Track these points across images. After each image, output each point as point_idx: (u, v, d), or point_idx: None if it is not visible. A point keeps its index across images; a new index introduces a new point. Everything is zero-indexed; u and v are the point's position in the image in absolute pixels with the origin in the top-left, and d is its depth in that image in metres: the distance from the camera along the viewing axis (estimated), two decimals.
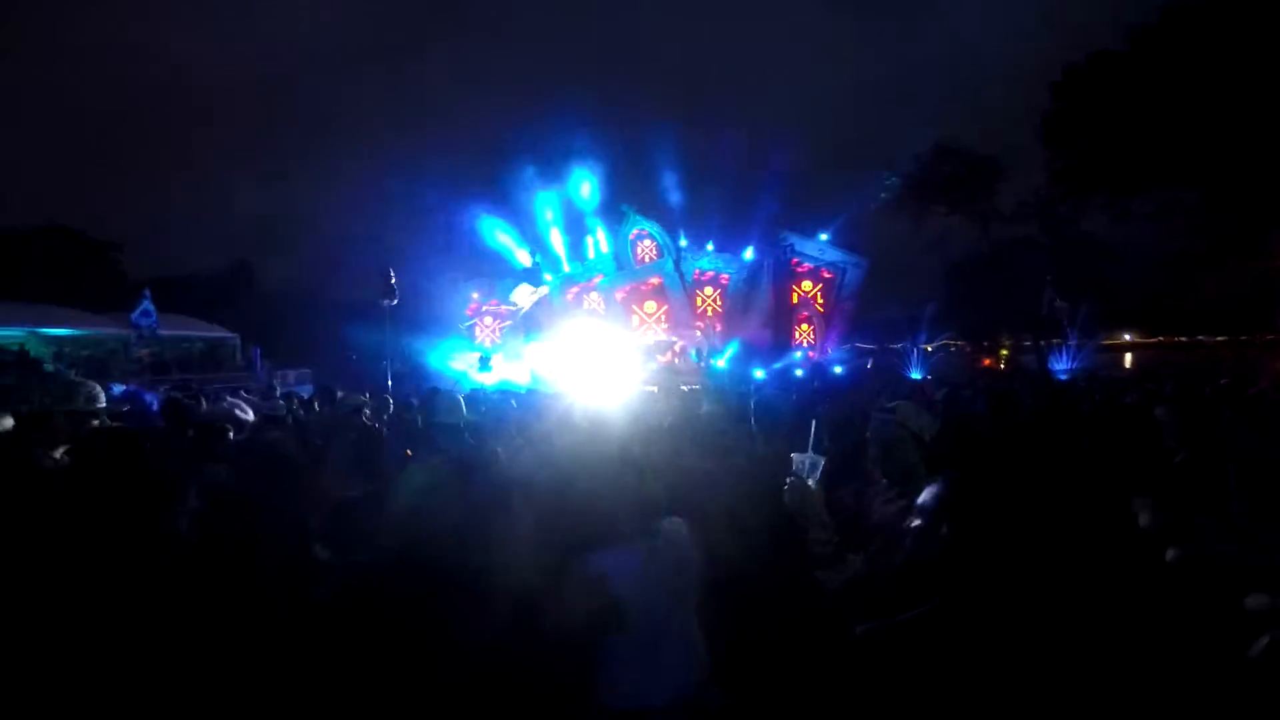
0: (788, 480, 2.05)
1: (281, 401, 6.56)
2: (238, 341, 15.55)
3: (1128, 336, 29.03)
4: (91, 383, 2.87)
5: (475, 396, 7.36)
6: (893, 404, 2.61)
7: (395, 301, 13.73)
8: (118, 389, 8.30)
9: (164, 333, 19.13)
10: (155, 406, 5.87)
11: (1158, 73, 17.34)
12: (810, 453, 2.07)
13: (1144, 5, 18.43)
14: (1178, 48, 17.07)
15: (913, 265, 28.31)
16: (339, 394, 6.79)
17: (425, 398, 7.29)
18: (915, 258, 26.45)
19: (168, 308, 19.87)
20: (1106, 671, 1.25)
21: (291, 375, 15.26)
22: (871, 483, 2.46)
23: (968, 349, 30.61)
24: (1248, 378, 8.34)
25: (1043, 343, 22.76)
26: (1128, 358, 28.55)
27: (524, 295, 21.34)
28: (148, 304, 18.33)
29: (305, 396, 7.54)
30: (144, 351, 18.72)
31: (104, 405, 2.84)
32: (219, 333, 19.38)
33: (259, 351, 16.06)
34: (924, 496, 1.61)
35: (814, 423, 2.25)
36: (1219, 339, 24.33)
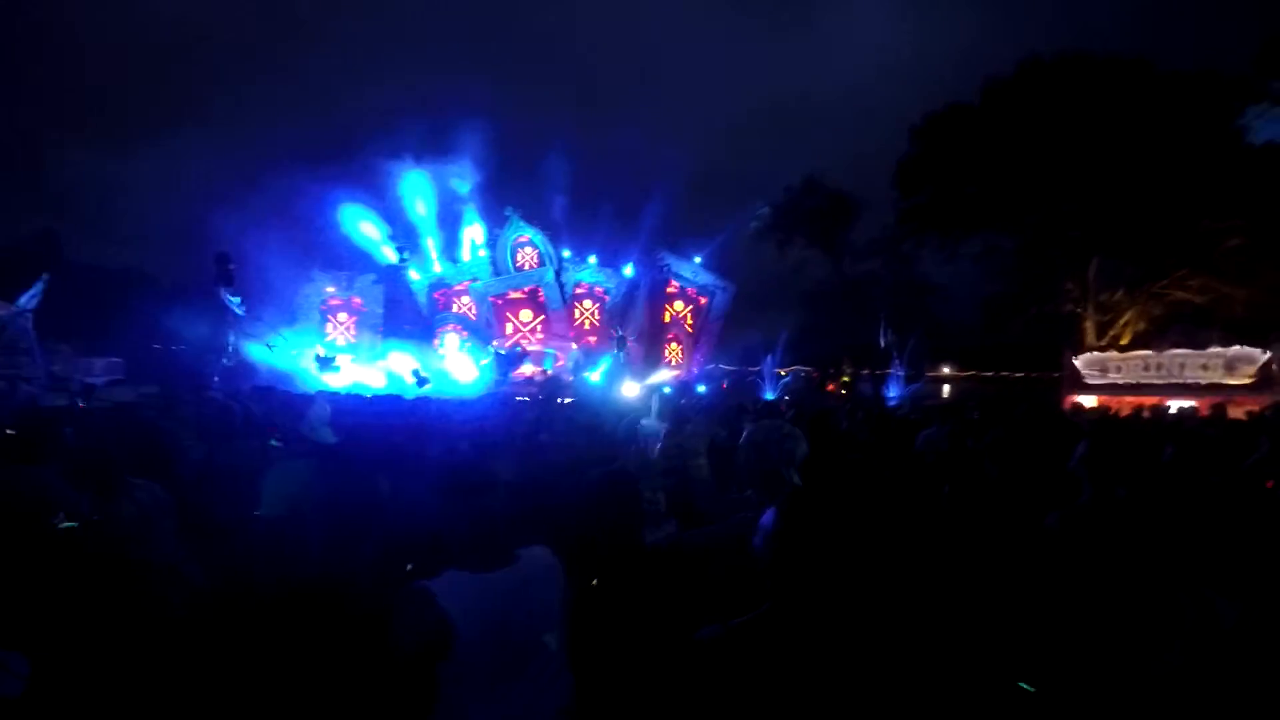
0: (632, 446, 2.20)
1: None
2: (27, 322, 12.77)
3: (946, 369, 32.98)
4: None
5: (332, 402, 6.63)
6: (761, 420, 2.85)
7: (233, 289, 12.19)
8: None
9: None
10: None
11: (999, 126, 19.93)
12: (655, 420, 2.35)
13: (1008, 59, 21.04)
14: (1020, 104, 19.74)
15: (773, 293, 30.20)
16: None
17: (256, 398, 6.44)
18: (775, 285, 28.30)
19: None
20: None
21: (99, 364, 12.88)
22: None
23: (815, 374, 33.15)
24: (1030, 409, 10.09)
25: (877, 372, 25.19)
26: (945, 388, 32.47)
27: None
28: None
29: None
30: None
31: None
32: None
33: (29, 328, 13.27)
34: (765, 518, 1.79)
35: (656, 395, 2.66)
36: (1018, 375, 28.39)
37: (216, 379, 11.65)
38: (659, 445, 3.04)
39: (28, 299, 13.87)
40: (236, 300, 14.70)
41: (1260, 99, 12.91)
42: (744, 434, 2.62)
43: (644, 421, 2.23)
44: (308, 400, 6.98)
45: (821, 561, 1.51)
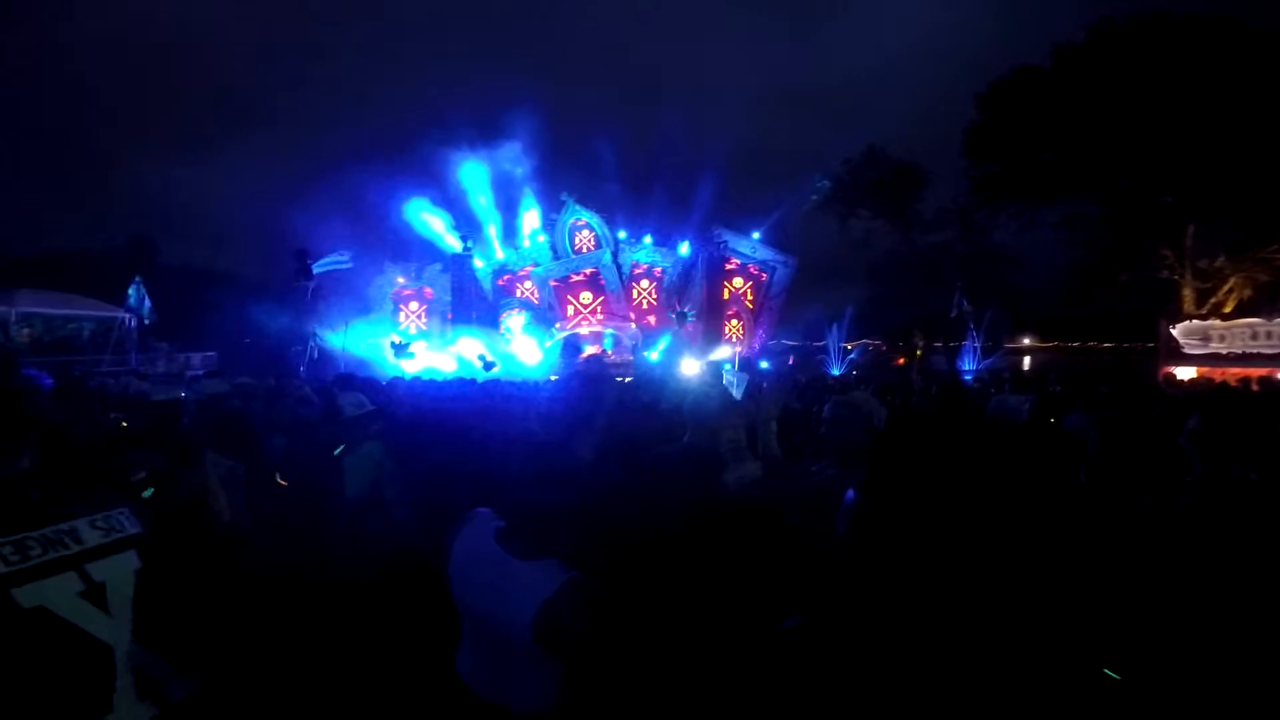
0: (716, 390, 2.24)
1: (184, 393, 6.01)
2: (131, 322, 14.01)
3: (1027, 341, 31.24)
4: None
5: (395, 385, 7.00)
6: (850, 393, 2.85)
7: (311, 283, 12.92)
8: None
9: (42, 310, 17.19)
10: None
11: (1075, 90, 18.68)
12: (738, 371, 2.40)
13: (1076, 26, 19.80)
14: (1096, 67, 18.47)
15: (837, 266, 29.37)
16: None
17: (332, 385, 6.86)
18: (839, 258, 27.48)
19: (57, 285, 17.96)
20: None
21: (196, 359, 14.02)
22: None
23: (884, 348, 32.11)
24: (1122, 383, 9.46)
25: (951, 344, 24.14)
26: (1026, 360, 30.82)
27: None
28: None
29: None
30: (24, 331, 16.80)
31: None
32: (107, 311, 17.63)
33: (134, 328, 14.51)
34: (848, 497, 1.71)
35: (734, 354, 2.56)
36: (1106, 345, 26.59)
37: (302, 368, 12.47)
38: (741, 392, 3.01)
39: (136, 300, 15.14)
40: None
41: None
42: (827, 408, 2.60)
43: (726, 372, 2.32)
44: (389, 386, 7.42)
45: (909, 547, 1.40)
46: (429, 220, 21.60)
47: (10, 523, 1.23)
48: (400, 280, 20.99)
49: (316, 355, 15.15)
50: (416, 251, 21.53)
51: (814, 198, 23.70)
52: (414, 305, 21.31)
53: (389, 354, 16.79)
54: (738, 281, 21.63)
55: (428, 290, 21.18)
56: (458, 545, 1.72)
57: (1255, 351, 14.02)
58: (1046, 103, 19.11)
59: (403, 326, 20.57)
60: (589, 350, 19.15)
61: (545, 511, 1.63)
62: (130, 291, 15.39)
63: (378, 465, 3.33)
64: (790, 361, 21.73)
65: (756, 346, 21.55)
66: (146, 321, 15.58)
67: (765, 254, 21.52)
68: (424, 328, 20.96)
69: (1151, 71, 17.38)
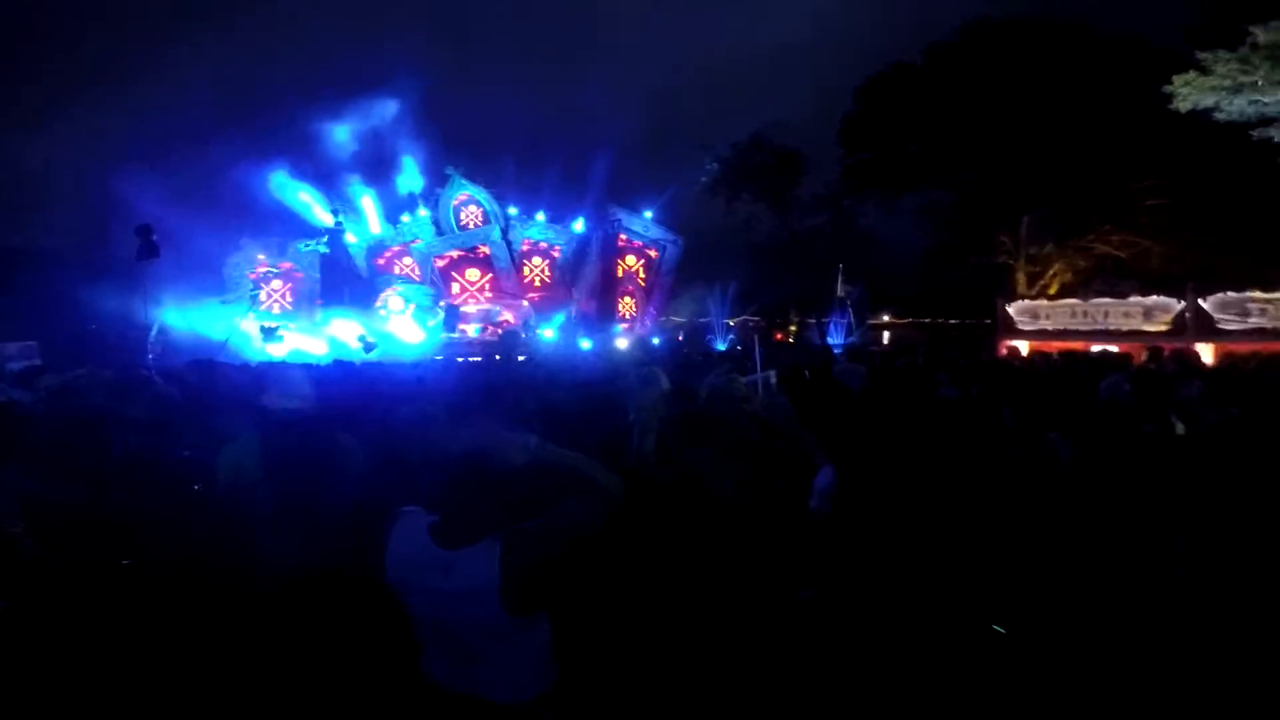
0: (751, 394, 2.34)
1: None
2: None
3: (886, 317, 34.36)
4: None
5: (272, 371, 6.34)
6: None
7: (156, 259, 11.28)
8: None
9: None
10: None
11: (941, 86, 20.40)
12: (760, 372, 2.42)
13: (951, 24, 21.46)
14: (961, 66, 20.23)
15: (720, 245, 30.34)
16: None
17: (197, 373, 6.07)
18: (722, 237, 28.43)
19: None
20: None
21: (12, 348, 11.71)
22: None
23: (763, 324, 33.87)
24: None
25: (823, 320, 25.93)
26: (885, 335, 33.89)
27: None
28: None
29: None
30: None
31: None
32: None
33: None
34: (821, 479, 2.01)
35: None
36: (953, 322, 29.86)
37: (151, 357, 10.88)
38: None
39: None
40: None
41: (1187, 69, 13.65)
42: (707, 385, 2.71)
43: (750, 378, 2.32)
44: (252, 372, 6.64)
45: (892, 522, 1.55)
46: (295, 193, 19.54)
47: None
48: (261, 258, 18.88)
49: (159, 343, 13.32)
50: (280, 227, 19.43)
51: (704, 180, 24.25)
52: (276, 284, 19.31)
53: (256, 339, 15.14)
54: (630, 260, 21.68)
55: (288, 266, 19.25)
56: (392, 550, 1.65)
57: (1074, 328, 16.33)
58: (916, 97, 20.76)
59: (264, 308, 18.59)
60: (471, 328, 18.47)
61: (481, 506, 1.59)
62: None
63: (250, 457, 2.87)
64: (680, 338, 22.34)
65: (648, 324, 21.84)
66: None
67: (657, 233, 21.71)
68: (288, 308, 19.09)
69: (1005, 71, 19.33)
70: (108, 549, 2.38)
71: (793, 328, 33.15)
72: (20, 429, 2.97)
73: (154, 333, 13.03)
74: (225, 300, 17.27)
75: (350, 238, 19.64)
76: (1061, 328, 16.71)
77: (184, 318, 15.39)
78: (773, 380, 2.36)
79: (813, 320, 27.77)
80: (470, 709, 1.59)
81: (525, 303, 19.54)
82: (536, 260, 20.65)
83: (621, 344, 15.76)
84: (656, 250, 21.96)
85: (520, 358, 11.80)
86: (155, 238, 10.32)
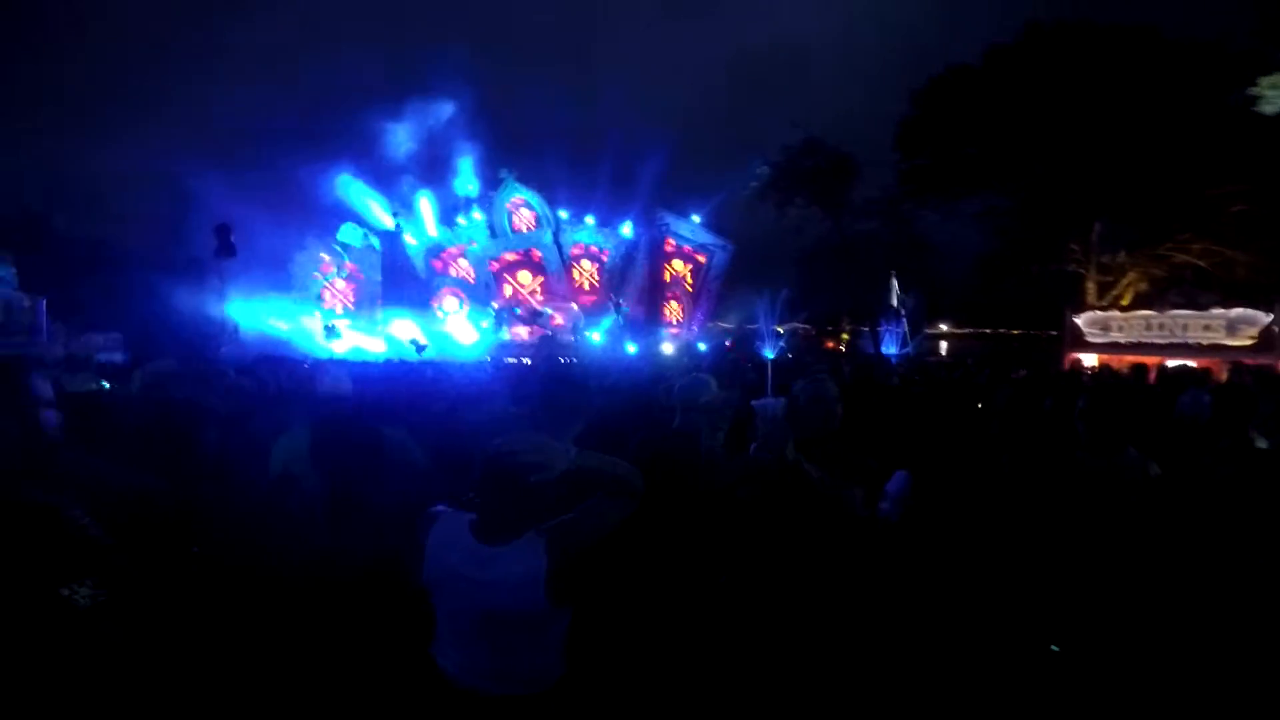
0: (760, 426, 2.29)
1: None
2: (26, 303, 12.30)
3: (944, 326, 33.21)
4: None
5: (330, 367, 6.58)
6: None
7: (234, 258, 11.92)
8: None
9: None
10: None
11: (1001, 89, 19.70)
12: (770, 398, 2.29)
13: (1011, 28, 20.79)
14: (1023, 68, 19.51)
15: (769, 250, 29.97)
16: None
17: (266, 368, 6.34)
18: (771, 243, 28.07)
19: None
20: None
21: (99, 340, 12.61)
22: None
23: (814, 332, 33.25)
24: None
25: (877, 329, 25.25)
26: (943, 345, 32.80)
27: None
28: None
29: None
30: None
31: None
32: None
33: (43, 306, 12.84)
34: (893, 484, 2.29)
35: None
36: (1015, 332, 28.62)
37: (222, 350, 11.50)
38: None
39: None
40: None
41: (1269, 72, 12.85)
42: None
43: (759, 402, 2.32)
44: (317, 368, 6.92)
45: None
46: (359, 195, 20.40)
47: None
48: (325, 258, 19.75)
49: (230, 338, 14.06)
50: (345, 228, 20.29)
51: (754, 184, 24.02)
52: (340, 284, 20.15)
53: (319, 335, 15.86)
54: (677, 264, 21.67)
55: (351, 267, 20.05)
56: (431, 548, 1.69)
57: (1149, 341, 15.39)
58: (975, 100, 20.06)
59: (328, 306, 19.42)
60: (523, 330, 18.78)
61: (522, 505, 1.65)
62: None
63: (301, 446, 2.99)
64: (728, 345, 22.13)
65: (695, 329, 21.76)
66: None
67: (705, 237, 21.64)
68: (351, 308, 19.87)
69: (1071, 75, 18.50)
70: (182, 538, 2.50)
71: (845, 336, 32.42)
72: (105, 418, 3.17)
73: (229, 328, 13.74)
74: (291, 298, 18.12)
75: (409, 239, 20.31)
76: (1135, 340, 15.77)
77: (252, 313, 16.20)
78: (779, 413, 2.31)
79: (865, 329, 27.09)
80: (490, 705, 1.64)
81: (574, 305, 19.77)
82: (586, 264, 20.88)
83: (667, 349, 15.78)
84: (705, 255, 21.86)
85: (561, 359, 11.96)
86: (233, 238, 10.86)
